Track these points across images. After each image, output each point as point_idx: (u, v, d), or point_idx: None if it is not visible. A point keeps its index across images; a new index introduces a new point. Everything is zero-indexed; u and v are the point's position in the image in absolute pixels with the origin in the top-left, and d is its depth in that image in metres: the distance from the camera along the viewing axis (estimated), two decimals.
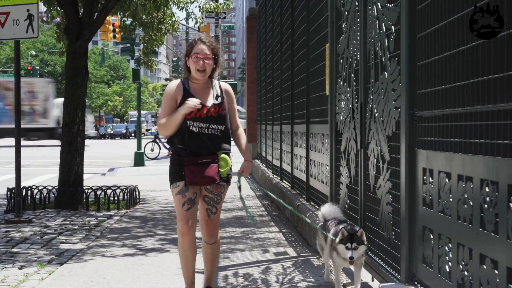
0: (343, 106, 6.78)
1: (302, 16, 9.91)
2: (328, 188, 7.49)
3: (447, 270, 3.84)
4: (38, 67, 71.31)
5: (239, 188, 5.70)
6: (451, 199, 3.77)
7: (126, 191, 12.00)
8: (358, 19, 6.06)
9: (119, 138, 75.86)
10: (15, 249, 7.86)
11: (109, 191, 12.03)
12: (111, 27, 30.69)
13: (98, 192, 11.82)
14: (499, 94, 3.18)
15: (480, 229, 3.36)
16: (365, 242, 5.31)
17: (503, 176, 3.12)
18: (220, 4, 17.31)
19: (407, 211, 4.53)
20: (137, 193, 12.61)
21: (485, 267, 3.31)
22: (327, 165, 7.61)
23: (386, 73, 5.14)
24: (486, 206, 3.30)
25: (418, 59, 4.43)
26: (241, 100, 64.62)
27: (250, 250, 7.76)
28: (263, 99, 17.00)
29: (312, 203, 9.00)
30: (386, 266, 5.23)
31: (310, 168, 9.16)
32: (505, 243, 3.09)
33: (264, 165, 16.59)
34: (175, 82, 5.57)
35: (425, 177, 4.26)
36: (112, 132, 78.84)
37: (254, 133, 20.30)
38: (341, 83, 6.88)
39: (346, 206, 6.64)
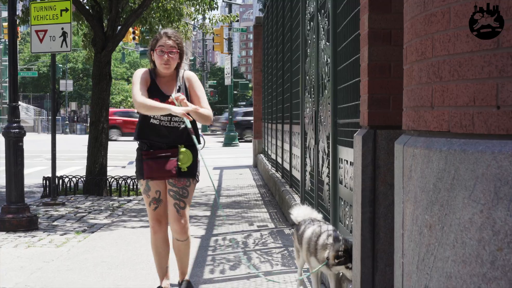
0: (308, 112, 8.87)
1: (288, 35, 12.03)
2: (300, 174, 9.60)
3: (347, 223, 5.94)
4: (61, 64, 73.54)
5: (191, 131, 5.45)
6: (347, 176, 5.87)
7: None
8: (314, 48, 8.14)
9: None
10: (55, 223, 10.00)
11: (129, 180, 14.16)
12: (131, 29, 32.84)
13: (120, 181, 13.97)
14: (353, 112, 5.27)
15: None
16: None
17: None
18: (228, 16, 19.44)
19: (333, 187, 6.63)
20: None
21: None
22: (299, 157, 9.73)
23: (326, 91, 7.22)
24: None
25: (338, 84, 6.52)
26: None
27: (238, 224, 9.87)
28: (266, 100, 19.15)
29: (293, 188, 11.12)
30: None
31: (292, 160, 11.29)
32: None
33: (266, 159, 18.71)
34: (143, 69, 5.62)
35: (339, 164, 6.36)
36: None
37: (260, 130, 22.41)
38: (307, 94, 8.97)
39: (309, 188, 8.74)
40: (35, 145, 36.07)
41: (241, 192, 14.25)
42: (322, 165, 7.48)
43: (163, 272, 5.77)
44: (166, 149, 5.43)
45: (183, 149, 5.42)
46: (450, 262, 2.45)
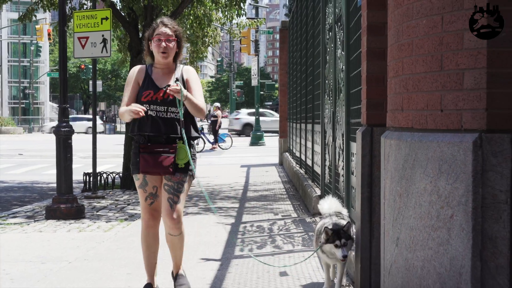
0: (327, 112, 9.90)
1: (311, 42, 13.07)
2: (320, 169, 10.63)
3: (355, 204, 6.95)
4: (90, 65, 74.78)
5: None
6: (355, 166, 6.89)
7: None
8: (332, 56, 9.16)
9: None
10: (98, 213, 11.11)
11: None
12: None
13: None
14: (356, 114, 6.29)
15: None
16: (353, 237, 5.37)
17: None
18: (255, 21, 20.51)
19: (346, 178, 7.65)
20: None
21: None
22: (320, 153, 10.76)
23: (341, 94, 8.24)
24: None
25: (350, 89, 7.54)
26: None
27: (264, 213, 10.93)
28: (291, 101, 20.21)
29: (314, 182, 12.17)
30: None
31: (314, 157, 12.32)
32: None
33: (291, 157, 19.76)
34: (139, 66, 5.52)
35: (351, 157, 7.38)
36: None
37: (286, 130, 23.47)
38: (326, 96, 10.00)
39: (328, 181, 9.76)
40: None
41: (267, 187, 15.31)
42: (338, 160, 8.50)
43: (152, 268, 5.71)
44: (164, 144, 5.35)
45: (181, 146, 5.35)
46: (412, 219, 3.48)
